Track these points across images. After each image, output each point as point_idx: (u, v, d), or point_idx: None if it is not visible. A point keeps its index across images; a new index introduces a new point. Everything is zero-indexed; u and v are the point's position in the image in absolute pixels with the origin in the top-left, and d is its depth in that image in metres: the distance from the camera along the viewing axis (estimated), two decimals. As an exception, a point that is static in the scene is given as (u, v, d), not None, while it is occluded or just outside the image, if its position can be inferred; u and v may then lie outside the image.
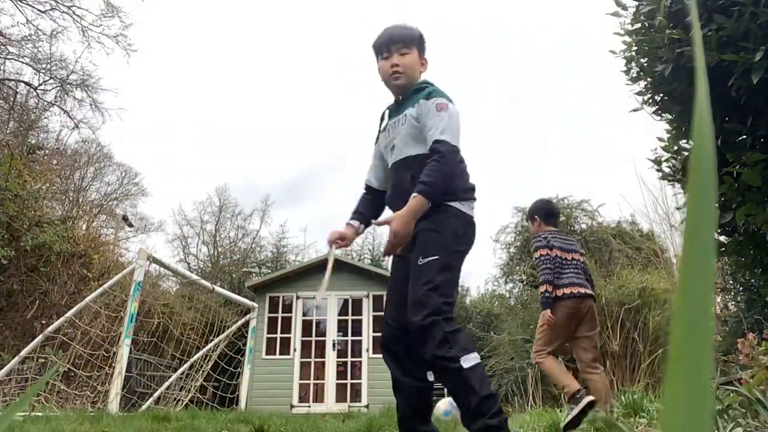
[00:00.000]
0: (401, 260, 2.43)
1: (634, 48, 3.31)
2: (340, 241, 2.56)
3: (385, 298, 2.60)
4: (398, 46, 2.48)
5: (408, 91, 2.50)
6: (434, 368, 2.20)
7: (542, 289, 4.12)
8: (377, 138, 2.68)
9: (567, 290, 4.07)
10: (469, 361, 2.07)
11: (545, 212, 4.45)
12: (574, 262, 4.28)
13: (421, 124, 2.38)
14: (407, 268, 2.32)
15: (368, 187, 2.72)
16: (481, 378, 2.08)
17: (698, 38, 0.22)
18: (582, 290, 4.12)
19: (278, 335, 11.31)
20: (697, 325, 0.18)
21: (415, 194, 2.21)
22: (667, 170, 3.66)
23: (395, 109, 2.57)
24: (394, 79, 2.48)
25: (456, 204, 2.35)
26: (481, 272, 38.05)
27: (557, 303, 4.05)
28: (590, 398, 3.63)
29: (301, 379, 11.10)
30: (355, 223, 2.62)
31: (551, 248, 4.21)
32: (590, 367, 4.04)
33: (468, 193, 2.42)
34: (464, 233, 2.35)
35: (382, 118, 2.67)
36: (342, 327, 11.41)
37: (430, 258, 2.24)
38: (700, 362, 0.18)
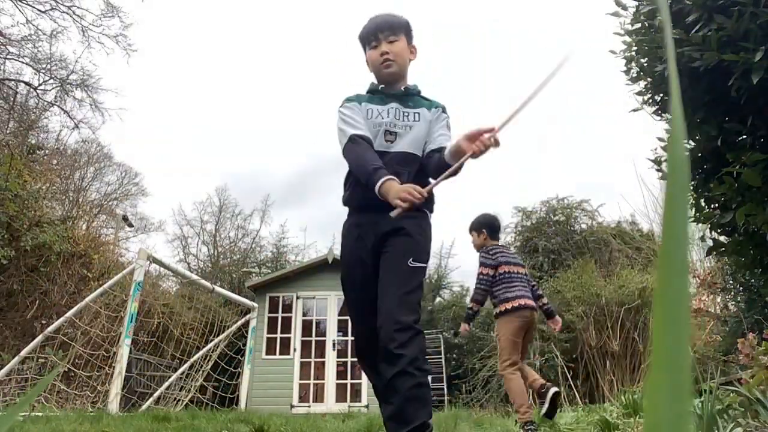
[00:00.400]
0: (358, 242, 2.31)
1: (634, 48, 3.31)
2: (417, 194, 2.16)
3: (348, 302, 2.43)
4: (386, 33, 2.42)
5: (403, 83, 2.45)
6: (400, 371, 2.01)
7: (470, 305, 4.51)
8: (361, 109, 2.42)
9: (517, 302, 4.36)
10: (428, 380, 2.10)
11: (492, 227, 4.68)
12: (520, 275, 4.55)
13: (430, 128, 2.40)
14: (370, 258, 2.26)
15: (370, 140, 2.38)
16: (430, 402, 2.09)
17: (669, 41, 0.23)
18: (530, 302, 4.42)
19: (278, 335, 11.30)
20: (675, 324, 0.19)
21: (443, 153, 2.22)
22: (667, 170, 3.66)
23: (400, 99, 2.45)
24: (385, 68, 2.40)
25: (428, 212, 2.39)
26: (481, 272, 37.95)
27: (511, 314, 4.33)
28: (555, 389, 4.02)
29: (301, 379, 11.10)
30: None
31: (497, 267, 4.51)
32: (518, 369, 4.47)
33: (432, 204, 2.43)
34: (430, 241, 2.39)
35: (374, 92, 2.49)
36: (342, 327, 11.41)
37: (419, 264, 2.22)
38: (679, 362, 0.18)
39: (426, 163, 2.36)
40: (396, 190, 2.06)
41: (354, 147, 2.29)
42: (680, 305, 0.19)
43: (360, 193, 2.34)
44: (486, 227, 4.65)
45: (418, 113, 2.41)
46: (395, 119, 2.40)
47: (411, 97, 2.46)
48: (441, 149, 2.29)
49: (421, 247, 2.26)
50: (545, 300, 4.68)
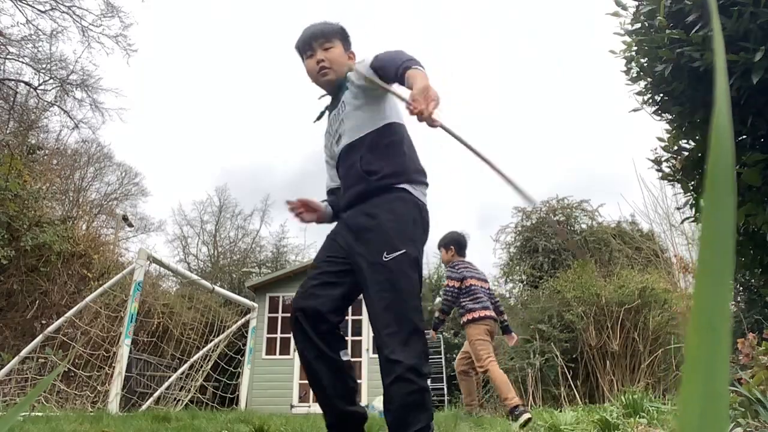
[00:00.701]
0: (333, 243, 2.25)
1: (634, 48, 3.31)
2: (303, 209, 2.33)
3: (312, 271, 2.27)
4: (320, 41, 2.36)
5: (339, 85, 2.38)
6: (396, 378, 1.92)
7: (436, 314, 5.01)
8: (324, 142, 2.53)
9: (482, 312, 4.93)
10: (428, 384, 1.97)
11: (459, 244, 5.13)
12: (484, 289, 5.11)
13: (367, 91, 2.22)
14: (338, 252, 2.18)
15: (330, 191, 2.49)
16: (429, 405, 1.95)
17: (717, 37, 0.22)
18: (492, 314, 5.02)
19: (278, 335, 11.31)
20: (713, 332, 0.18)
21: (410, 68, 1.91)
22: (667, 170, 3.66)
23: (332, 104, 2.45)
24: (322, 76, 2.35)
25: (408, 187, 2.14)
26: (481, 272, 37.96)
27: (476, 323, 4.90)
28: (528, 416, 4.33)
29: (301, 379, 11.09)
30: (324, 205, 2.43)
31: (462, 281, 5.03)
32: (474, 369, 5.13)
33: (420, 175, 2.22)
34: (421, 220, 2.14)
35: (322, 116, 2.54)
36: (342, 327, 11.39)
37: (397, 253, 2.01)
38: (716, 369, 0.18)
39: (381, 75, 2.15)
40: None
41: None
42: (720, 316, 0.18)
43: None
44: (454, 244, 5.10)
45: (342, 102, 2.32)
46: (334, 123, 2.37)
47: (338, 94, 2.38)
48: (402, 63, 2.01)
49: (391, 233, 2.04)
50: (505, 317, 5.27)
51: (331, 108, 2.45)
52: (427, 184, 2.25)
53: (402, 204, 2.11)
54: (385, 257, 2.00)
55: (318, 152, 2.59)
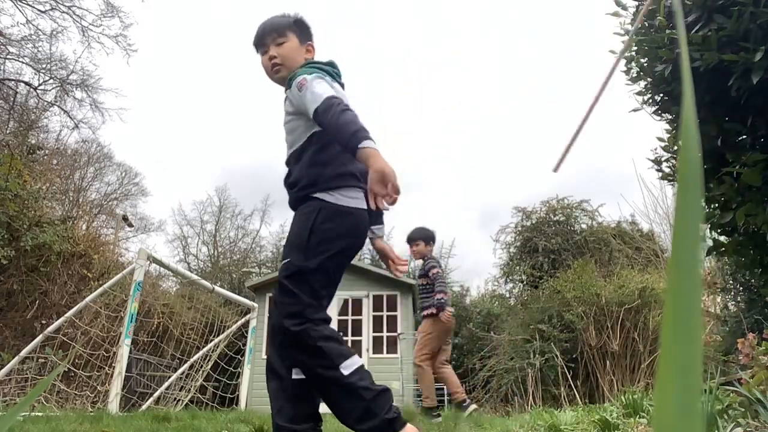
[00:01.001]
0: None
1: (634, 48, 3.31)
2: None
3: None
4: (272, 36, 2.30)
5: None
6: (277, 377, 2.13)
7: (440, 296, 5.17)
8: None
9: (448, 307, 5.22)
10: (347, 368, 2.02)
11: (434, 240, 5.54)
12: None
13: (301, 114, 2.16)
14: None
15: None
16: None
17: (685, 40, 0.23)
18: (452, 309, 5.32)
19: (278, 335, 11.30)
20: (686, 327, 0.18)
21: (361, 145, 1.88)
22: (667, 170, 3.66)
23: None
24: (275, 73, 2.30)
25: (320, 195, 2.14)
26: (481, 272, 38.03)
27: (434, 318, 5.15)
28: (474, 407, 4.95)
29: (301, 379, 11.09)
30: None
31: (443, 269, 5.53)
32: (443, 364, 5.27)
33: (336, 180, 2.16)
34: (329, 225, 2.10)
35: None
36: (342, 327, 11.41)
37: (284, 261, 2.14)
38: (690, 365, 0.18)
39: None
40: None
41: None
42: (691, 309, 0.18)
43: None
44: (432, 240, 5.52)
45: (285, 98, 2.25)
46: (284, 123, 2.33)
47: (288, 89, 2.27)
48: (319, 124, 2.03)
49: (287, 244, 2.17)
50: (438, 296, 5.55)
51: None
52: (355, 186, 2.17)
53: (303, 213, 2.15)
54: (280, 268, 2.15)
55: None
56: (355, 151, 1.87)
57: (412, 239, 5.49)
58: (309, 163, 2.18)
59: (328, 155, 2.17)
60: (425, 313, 5.24)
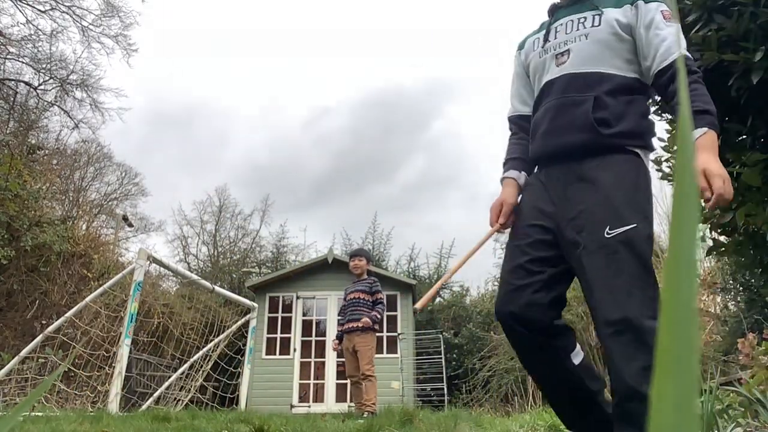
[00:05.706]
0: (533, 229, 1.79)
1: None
2: (503, 219, 1.88)
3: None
4: None
5: None
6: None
7: (375, 315, 5.67)
8: (525, 55, 1.99)
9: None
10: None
11: (373, 261, 5.98)
12: None
13: (634, 34, 1.74)
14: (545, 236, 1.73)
15: (520, 117, 1.98)
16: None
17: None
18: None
19: (278, 335, 11.30)
20: (683, 327, 0.19)
21: (704, 129, 1.57)
22: (667, 170, 3.66)
23: (567, 8, 1.89)
24: None
25: (642, 153, 1.72)
26: (481, 272, 38.04)
27: (373, 333, 5.69)
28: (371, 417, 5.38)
29: (301, 379, 11.10)
30: (516, 173, 1.91)
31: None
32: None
33: (652, 145, 1.80)
34: (650, 193, 1.69)
35: (542, 27, 2.00)
36: (342, 327, 11.42)
37: (628, 227, 1.55)
38: (686, 365, 0.18)
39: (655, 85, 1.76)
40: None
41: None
42: (688, 309, 0.19)
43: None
44: (372, 260, 6.11)
45: (598, 16, 1.77)
46: (564, 33, 1.83)
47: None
48: (688, 71, 1.65)
49: (622, 204, 1.61)
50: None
51: (562, 12, 1.90)
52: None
53: (628, 170, 1.66)
54: (608, 233, 1.56)
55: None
56: (717, 135, 1.60)
57: (356, 255, 5.97)
58: (632, 111, 1.71)
59: (648, 119, 1.80)
60: (360, 324, 5.57)
